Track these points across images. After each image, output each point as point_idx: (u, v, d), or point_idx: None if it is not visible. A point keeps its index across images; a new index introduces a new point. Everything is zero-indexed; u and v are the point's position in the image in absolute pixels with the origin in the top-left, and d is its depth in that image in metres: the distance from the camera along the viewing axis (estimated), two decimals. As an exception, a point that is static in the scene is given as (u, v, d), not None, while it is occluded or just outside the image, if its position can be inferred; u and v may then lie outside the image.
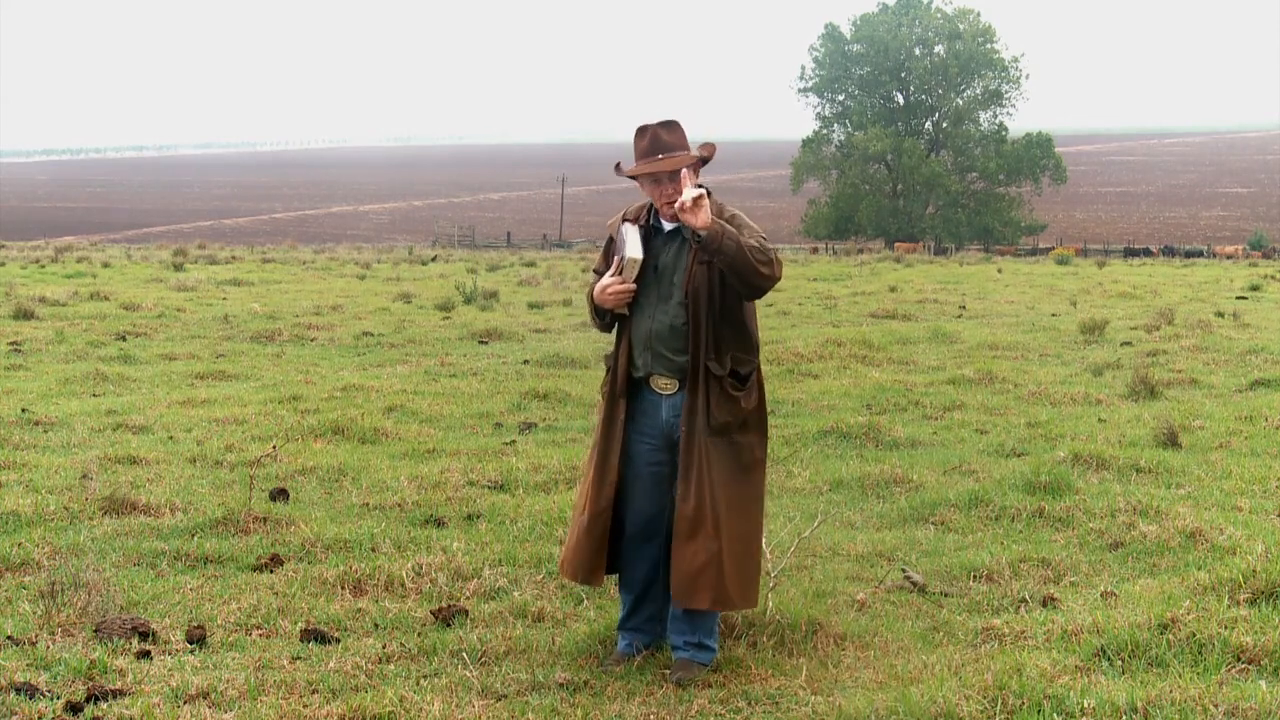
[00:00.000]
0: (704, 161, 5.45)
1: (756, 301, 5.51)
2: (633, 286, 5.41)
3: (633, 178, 5.46)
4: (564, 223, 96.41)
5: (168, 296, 24.93)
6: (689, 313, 5.35)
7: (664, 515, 5.52)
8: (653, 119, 5.43)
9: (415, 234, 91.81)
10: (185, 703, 4.99)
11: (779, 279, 5.33)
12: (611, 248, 5.57)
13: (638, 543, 5.54)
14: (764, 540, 6.50)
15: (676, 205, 5.20)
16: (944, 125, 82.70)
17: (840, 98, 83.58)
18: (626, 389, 5.49)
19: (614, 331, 5.63)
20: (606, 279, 5.43)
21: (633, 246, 5.39)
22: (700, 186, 5.32)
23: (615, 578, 5.74)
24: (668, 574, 5.57)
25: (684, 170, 5.28)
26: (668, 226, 5.46)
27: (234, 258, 43.45)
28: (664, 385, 5.44)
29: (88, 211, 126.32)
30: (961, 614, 6.23)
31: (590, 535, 5.49)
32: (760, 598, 5.95)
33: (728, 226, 5.19)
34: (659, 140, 5.37)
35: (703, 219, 5.13)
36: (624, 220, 5.51)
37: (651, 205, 5.53)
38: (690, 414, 5.36)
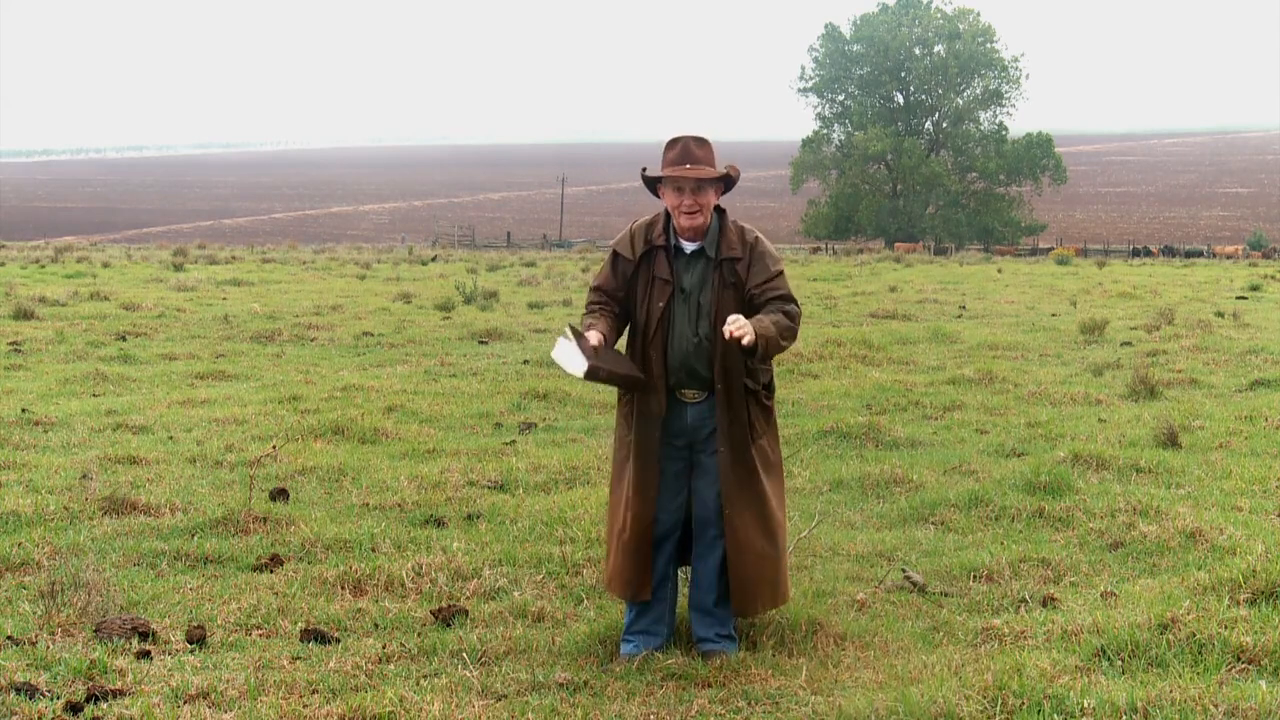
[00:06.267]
0: (728, 182, 5.58)
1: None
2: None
3: (656, 180, 5.55)
4: (564, 223, 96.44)
5: (168, 296, 24.94)
6: (717, 333, 5.47)
7: (682, 512, 5.66)
8: (687, 131, 5.55)
9: (415, 234, 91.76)
10: (185, 703, 4.99)
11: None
12: (618, 263, 5.60)
13: (659, 544, 5.64)
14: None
15: (727, 335, 5.27)
16: (944, 125, 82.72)
17: (840, 98, 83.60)
18: (667, 405, 5.55)
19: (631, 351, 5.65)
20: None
21: (574, 364, 5.34)
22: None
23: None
24: (675, 569, 5.70)
25: (730, 329, 5.26)
26: (689, 247, 5.58)
27: (234, 258, 43.48)
28: (692, 395, 5.59)
29: (88, 211, 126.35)
30: (961, 614, 6.23)
31: (638, 553, 5.58)
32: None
33: (769, 333, 5.30)
34: (689, 152, 5.51)
35: (748, 341, 5.27)
36: (569, 329, 5.44)
37: (669, 225, 5.59)
38: (730, 427, 5.49)
